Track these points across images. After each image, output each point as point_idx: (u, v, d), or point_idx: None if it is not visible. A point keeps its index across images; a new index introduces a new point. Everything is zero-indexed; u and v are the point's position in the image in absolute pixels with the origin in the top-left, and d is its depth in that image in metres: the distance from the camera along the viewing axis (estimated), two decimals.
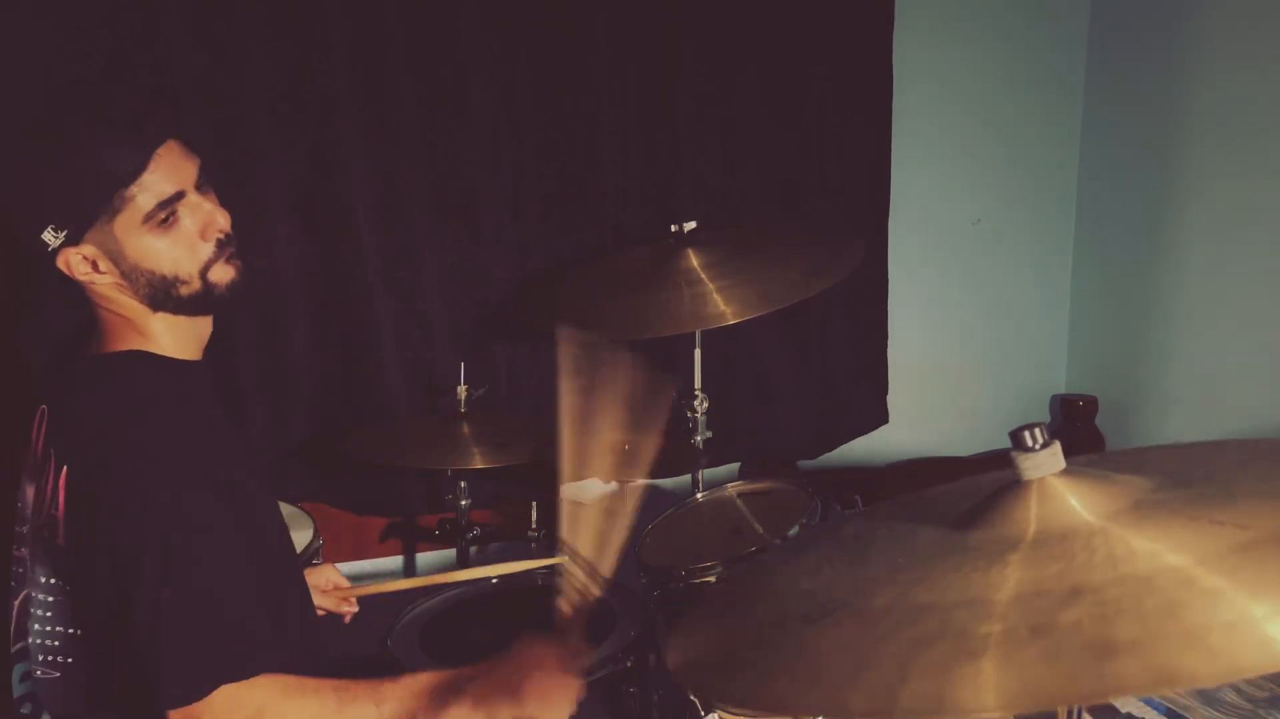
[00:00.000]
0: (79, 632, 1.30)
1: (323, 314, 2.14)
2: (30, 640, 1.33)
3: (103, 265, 1.24)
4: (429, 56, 2.09)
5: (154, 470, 1.19)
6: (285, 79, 2.01)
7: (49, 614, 1.31)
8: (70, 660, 1.31)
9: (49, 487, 1.26)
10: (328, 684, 1.20)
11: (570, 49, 2.19)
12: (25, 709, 1.39)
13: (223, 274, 1.30)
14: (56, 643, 1.31)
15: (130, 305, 1.29)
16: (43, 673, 1.32)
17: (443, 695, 1.22)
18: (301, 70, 2.01)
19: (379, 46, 2.05)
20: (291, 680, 1.19)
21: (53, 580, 1.30)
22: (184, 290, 1.28)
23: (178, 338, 1.32)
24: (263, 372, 2.11)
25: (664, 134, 2.30)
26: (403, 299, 2.17)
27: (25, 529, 1.37)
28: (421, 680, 1.23)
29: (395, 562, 2.42)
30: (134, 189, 1.21)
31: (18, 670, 1.37)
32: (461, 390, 2.04)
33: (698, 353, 2.10)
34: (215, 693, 1.15)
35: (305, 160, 2.06)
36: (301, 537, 1.89)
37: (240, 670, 1.16)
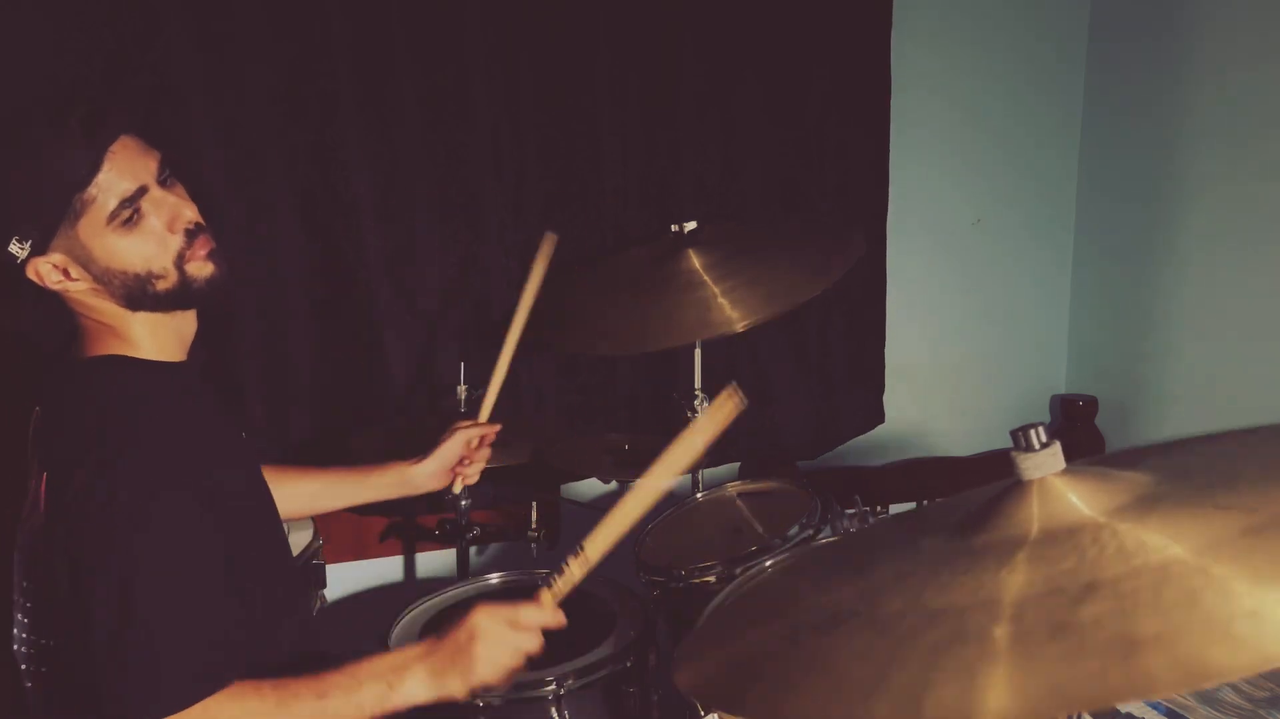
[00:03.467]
0: (50, 642, 1.29)
1: (323, 314, 2.14)
2: (15, 646, 1.32)
3: (74, 272, 1.22)
4: (430, 56, 2.09)
5: (122, 476, 1.16)
6: (286, 79, 2.01)
7: (27, 621, 1.30)
8: (44, 670, 1.30)
9: (32, 492, 1.25)
10: (267, 683, 1.18)
11: (571, 49, 2.19)
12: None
13: (200, 270, 1.27)
14: (33, 651, 1.30)
15: (109, 310, 1.26)
16: (26, 681, 1.31)
17: (392, 676, 1.22)
18: (302, 70, 2.01)
19: (380, 46, 2.05)
20: (233, 685, 1.17)
21: (25, 591, 1.30)
22: (160, 285, 1.25)
23: (159, 339, 1.30)
24: (263, 371, 2.11)
25: (664, 134, 2.30)
26: (404, 299, 2.17)
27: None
28: (365, 668, 1.22)
29: (395, 562, 2.42)
30: (92, 190, 1.18)
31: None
32: (461, 390, 2.04)
33: (698, 353, 2.10)
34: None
35: (306, 160, 2.06)
36: (301, 537, 1.89)
37: (197, 692, 1.14)
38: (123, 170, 1.20)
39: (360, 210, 2.10)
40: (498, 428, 1.73)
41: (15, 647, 1.32)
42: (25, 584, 1.30)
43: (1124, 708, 1.61)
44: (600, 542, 1.31)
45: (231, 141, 1.99)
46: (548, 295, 2.18)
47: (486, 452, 1.72)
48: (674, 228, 2.02)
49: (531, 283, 1.59)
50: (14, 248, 1.19)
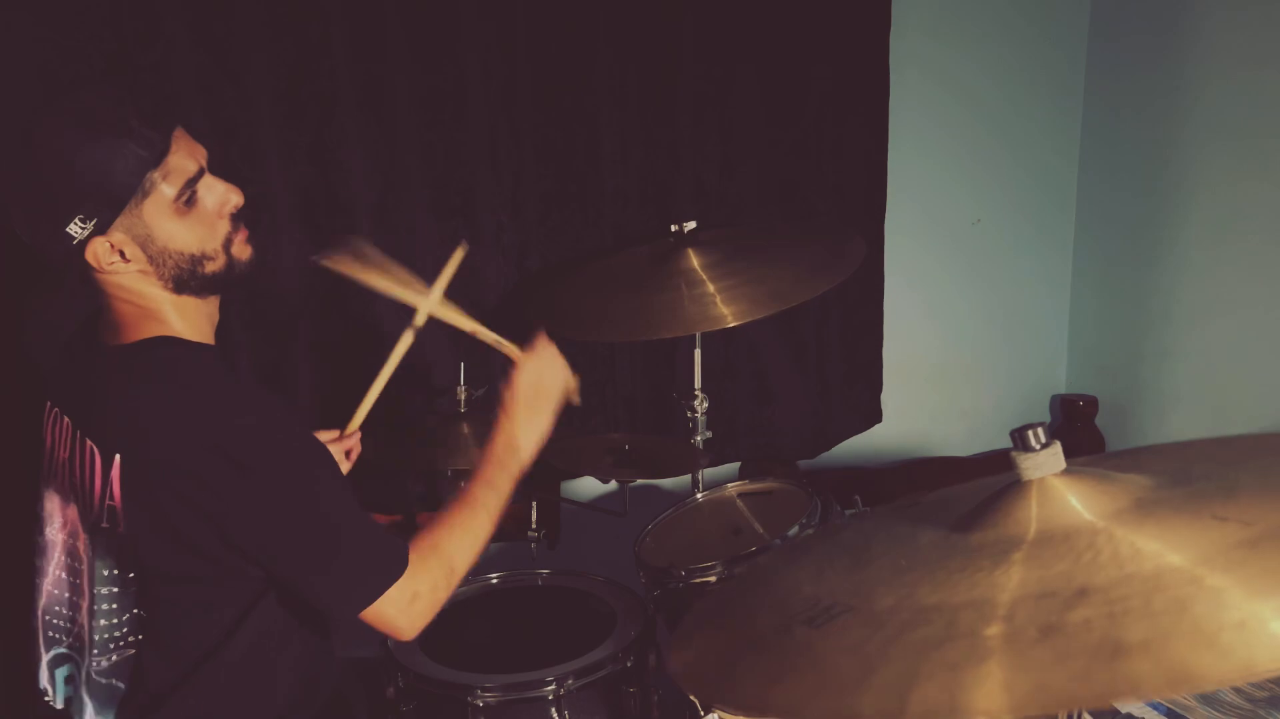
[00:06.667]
0: (144, 613, 1.32)
1: (322, 314, 2.14)
2: (97, 636, 1.34)
3: (129, 252, 1.25)
4: (428, 56, 2.09)
5: (245, 430, 1.23)
6: (285, 79, 2.01)
7: (114, 606, 1.33)
8: (142, 637, 1.34)
9: (96, 481, 1.26)
10: (450, 513, 1.40)
11: (570, 48, 2.19)
12: (73, 708, 1.39)
13: (242, 252, 1.35)
14: (125, 629, 1.33)
15: (150, 293, 1.30)
16: (118, 656, 1.34)
17: (510, 440, 1.48)
18: (301, 70, 2.01)
19: (378, 46, 2.05)
20: (429, 535, 1.36)
21: (113, 572, 1.31)
22: (210, 268, 1.31)
23: (194, 322, 1.34)
24: (262, 371, 2.11)
25: (663, 134, 2.29)
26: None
27: (43, 538, 1.37)
28: (493, 448, 1.48)
29: None
30: (163, 169, 1.23)
31: (61, 673, 1.38)
32: (461, 390, 2.04)
33: (698, 353, 2.10)
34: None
35: (305, 160, 2.05)
36: None
37: (403, 555, 1.30)
38: (186, 152, 1.27)
39: (358, 210, 2.10)
40: (357, 441, 1.75)
41: (98, 635, 1.34)
42: (107, 573, 1.32)
43: (1124, 708, 1.61)
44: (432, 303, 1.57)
45: (231, 141, 1.99)
46: (546, 290, 2.18)
47: (347, 465, 1.73)
48: (674, 228, 2.02)
49: (436, 290, 1.60)
50: (74, 228, 1.21)
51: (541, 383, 1.50)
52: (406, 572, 1.29)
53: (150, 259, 1.27)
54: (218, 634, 1.33)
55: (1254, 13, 2.22)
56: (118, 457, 1.24)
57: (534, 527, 2.09)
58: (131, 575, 1.30)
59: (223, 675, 1.33)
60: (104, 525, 1.28)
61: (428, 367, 2.22)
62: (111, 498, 1.25)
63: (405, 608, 1.30)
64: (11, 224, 1.25)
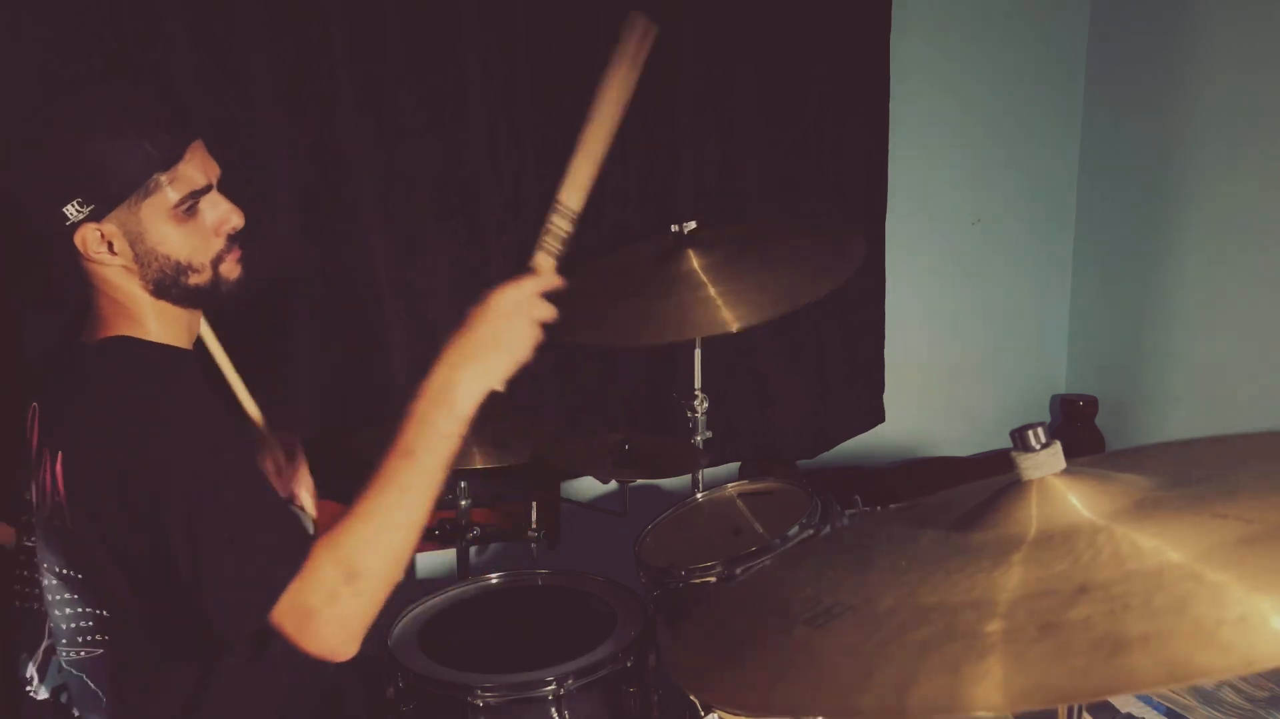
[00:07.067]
0: (105, 612, 1.31)
1: (324, 313, 2.14)
2: (60, 626, 1.35)
3: (118, 246, 1.26)
4: (428, 56, 2.09)
5: (159, 430, 1.20)
6: (286, 79, 2.01)
7: (70, 605, 1.32)
8: (108, 637, 1.33)
9: (48, 476, 1.27)
10: (358, 499, 1.21)
11: (570, 48, 2.19)
12: (63, 698, 1.40)
13: (231, 271, 1.34)
14: (90, 623, 1.32)
15: (131, 291, 1.30)
16: (86, 653, 1.33)
17: (441, 400, 1.26)
18: (301, 70, 2.01)
19: (378, 46, 2.05)
20: (327, 533, 1.19)
21: (65, 570, 1.31)
22: (193, 280, 1.31)
23: (169, 324, 1.34)
24: (262, 371, 2.11)
25: (663, 134, 2.29)
26: (404, 298, 2.17)
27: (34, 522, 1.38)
28: (410, 425, 1.24)
29: None
30: (169, 175, 1.25)
31: (55, 662, 1.39)
32: None
33: (698, 353, 2.10)
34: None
35: (307, 160, 2.06)
36: None
37: (283, 578, 1.14)
38: (198, 166, 1.29)
39: (359, 210, 2.10)
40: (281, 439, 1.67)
41: (60, 625, 1.34)
42: (60, 569, 1.32)
43: (1124, 708, 1.61)
44: (573, 188, 1.37)
45: (232, 141, 1.99)
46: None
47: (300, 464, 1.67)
48: (674, 228, 2.02)
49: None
50: (70, 209, 1.22)
51: (504, 324, 1.27)
52: (294, 583, 1.13)
53: (137, 257, 1.27)
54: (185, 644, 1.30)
55: (1254, 13, 2.22)
56: (60, 453, 1.25)
57: (534, 527, 2.09)
58: (80, 576, 1.30)
59: (211, 682, 1.32)
60: (54, 523, 1.28)
61: (430, 366, 2.22)
62: (59, 494, 1.26)
63: (300, 627, 1.13)
64: (9, 195, 1.26)
